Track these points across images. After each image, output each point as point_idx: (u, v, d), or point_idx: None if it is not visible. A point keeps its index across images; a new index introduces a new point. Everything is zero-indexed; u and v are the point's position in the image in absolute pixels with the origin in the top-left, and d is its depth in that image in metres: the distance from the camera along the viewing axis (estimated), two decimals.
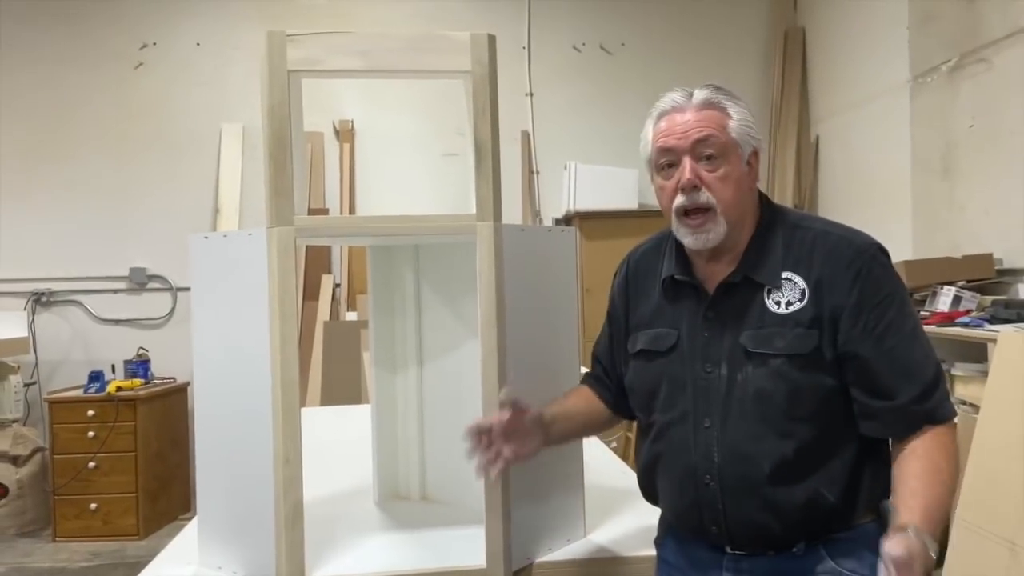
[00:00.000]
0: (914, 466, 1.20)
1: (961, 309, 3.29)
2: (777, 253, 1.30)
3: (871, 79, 4.53)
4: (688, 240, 1.30)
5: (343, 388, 4.36)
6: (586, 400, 1.53)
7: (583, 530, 1.62)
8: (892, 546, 1.06)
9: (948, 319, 3.19)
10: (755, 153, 1.33)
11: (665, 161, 1.30)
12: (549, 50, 5.40)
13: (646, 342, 1.39)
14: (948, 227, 3.87)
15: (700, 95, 1.30)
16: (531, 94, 5.36)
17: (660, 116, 1.32)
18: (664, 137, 1.29)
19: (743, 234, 1.32)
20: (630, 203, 4.94)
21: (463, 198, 1.50)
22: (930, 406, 1.23)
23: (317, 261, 5.11)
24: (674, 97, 1.31)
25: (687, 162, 1.28)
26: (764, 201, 1.37)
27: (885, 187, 4.40)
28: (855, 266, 1.25)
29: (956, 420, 1.27)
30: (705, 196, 1.27)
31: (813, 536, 1.27)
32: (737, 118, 1.30)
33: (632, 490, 1.45)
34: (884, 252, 1.30)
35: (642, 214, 4.85)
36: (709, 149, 1.27)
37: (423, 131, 5.25)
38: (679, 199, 1.28)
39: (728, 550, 1.31)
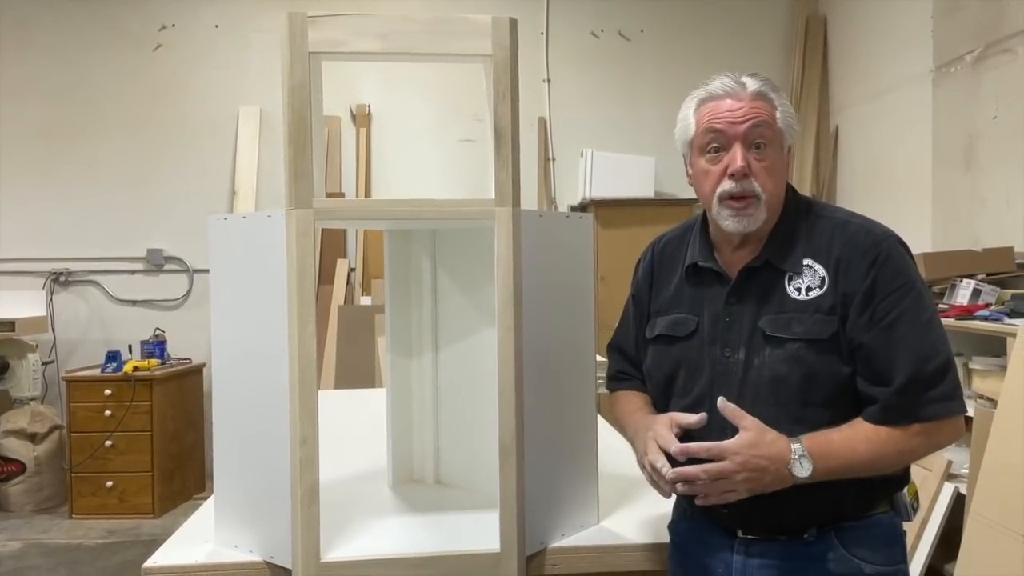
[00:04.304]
0: (855, 426, 1.23)
1: (980, 302, 3.26)
2: (799, 241, 1.32)
3: (893, 69, 4.48)
4: (729, 223, 1.30)
5: (357, 372, 4.38)
6: (646, 401, 1.49)
7: (596, 516, 1.63)
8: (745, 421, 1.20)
9: (967, 312, 3.16)
10: (791, 148, 1.35)
11: (713, 144, 1.30)
12: (567, 36, 5.37)
13: (664, 327, 1.41)
14: (969, 219, 3.83)
15: (753, 84, 1.30)
16: (548, 80, 5.33)
17: (708, 99, 1.32)
18: (713, 119, 1.29)
19: (770, 223, 1.34)
20: (646, 191, 4.91)
21: (479, 185, 1.50)
22: (922, 400, 1.21)
23: (333, 245, 5.13)
24: (726, 82, 1.30)
25: (739, 149, 1.28)
26: (790, 190, 1.38)
27: (905, 178, 4.36)
28: (871, 254, 1.26)
29: (967, 415, 1.24)
30: (754, 184, 1.28)
31: (825, 522, 1.27)
32: (782, 111, 1.31)
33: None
34: (903, 244, 1.30)
35: (658, 202, 4.82)
36: (761, 138, 1.28)
37: (439, 117, 5.24)
38: (727, 184, 1.29)
39: (740, 534, 1.32)
